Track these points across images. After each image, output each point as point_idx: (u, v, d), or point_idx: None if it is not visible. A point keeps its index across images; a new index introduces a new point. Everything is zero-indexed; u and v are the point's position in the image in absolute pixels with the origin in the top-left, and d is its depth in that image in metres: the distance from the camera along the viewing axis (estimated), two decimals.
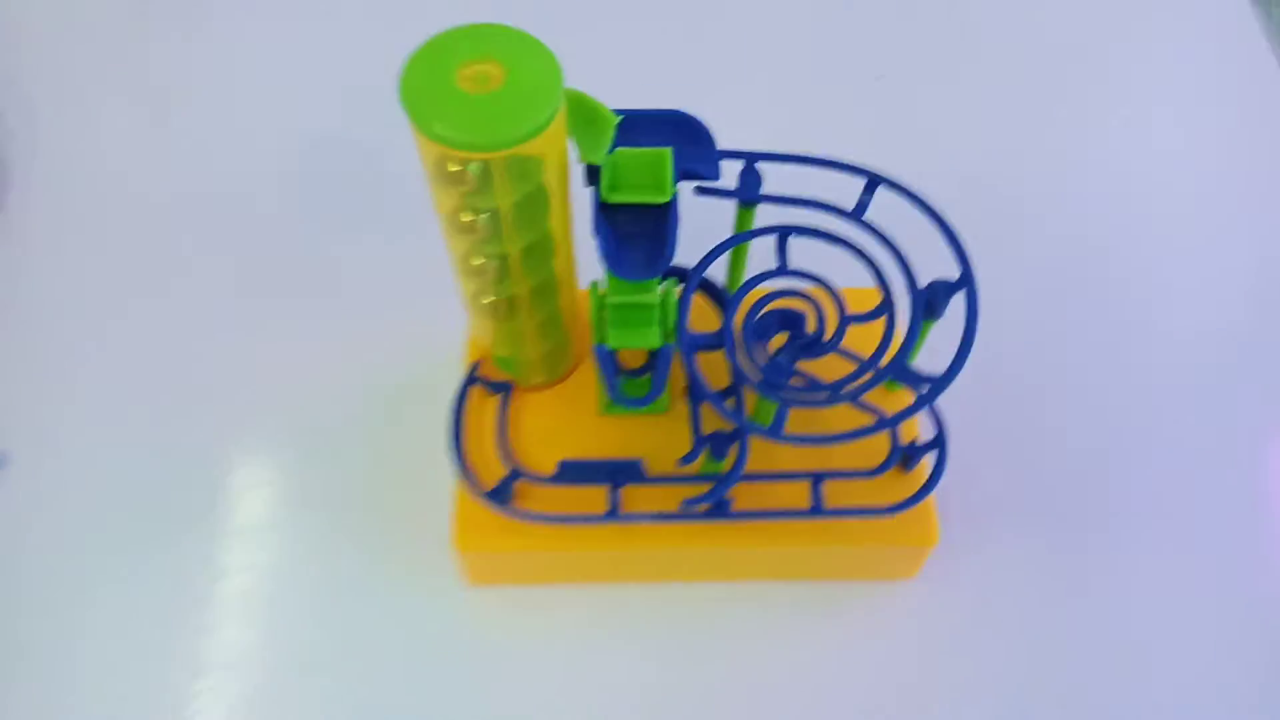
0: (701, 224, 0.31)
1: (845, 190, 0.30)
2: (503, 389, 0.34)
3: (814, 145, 0.30)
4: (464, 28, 0.24)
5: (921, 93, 0.47)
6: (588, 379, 0.34)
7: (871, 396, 0.33)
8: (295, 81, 0.48)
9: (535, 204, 0.27)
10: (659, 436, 0.33)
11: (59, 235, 0.43)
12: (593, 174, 0.27)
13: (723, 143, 0.28)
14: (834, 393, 0.28)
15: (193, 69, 0.48)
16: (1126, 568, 0.35)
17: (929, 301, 0.28)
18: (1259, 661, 0.33)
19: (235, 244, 0.43)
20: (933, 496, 0.32)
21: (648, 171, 0.26)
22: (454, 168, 0.25)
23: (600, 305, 0.27)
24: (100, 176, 0.45)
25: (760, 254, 0.31)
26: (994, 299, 0.38)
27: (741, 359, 0.28)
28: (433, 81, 0.24)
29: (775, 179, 0.30)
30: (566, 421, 0.34)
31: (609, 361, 0.27)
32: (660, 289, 0.28)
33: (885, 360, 0.28)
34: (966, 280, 0.27)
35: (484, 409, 0.34)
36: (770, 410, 0.29)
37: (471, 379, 0.34)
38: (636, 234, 0.27)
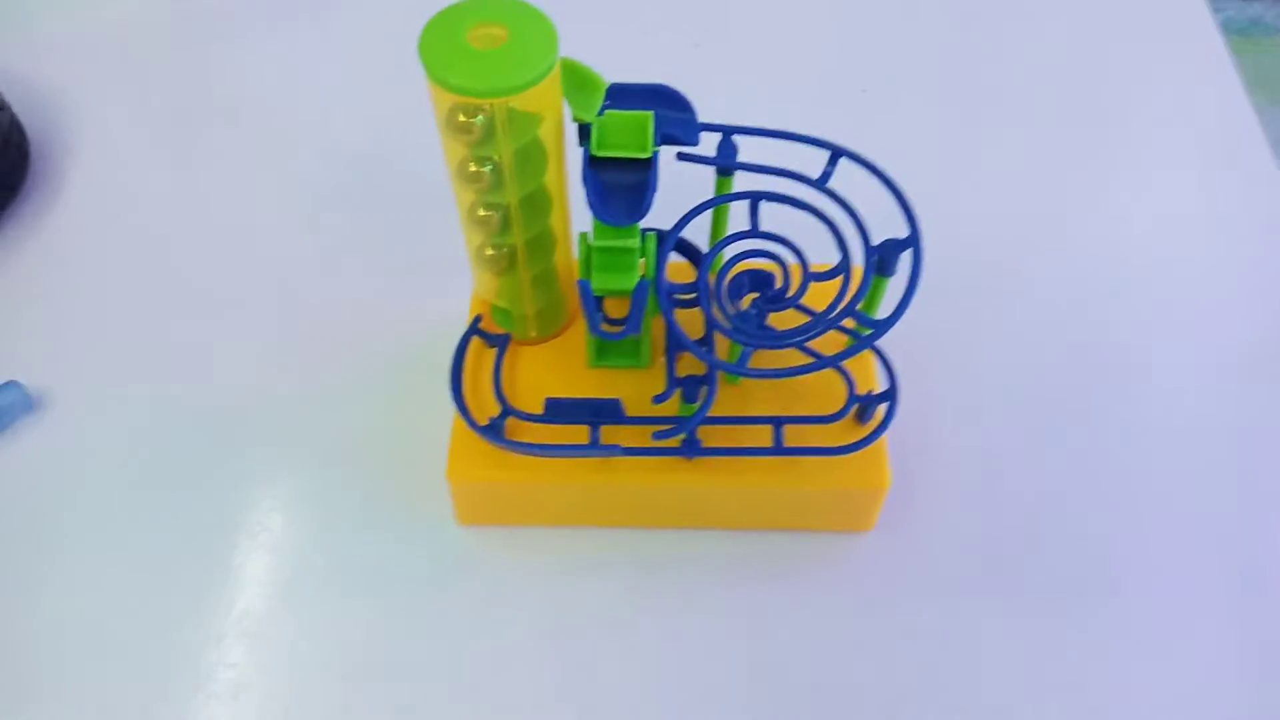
0: (685, 190, 0.35)
1: (813, 164, 0.33)
2: (500, 341, 0.37)
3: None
4: None
5: (902, 111, 0.51)
6: (578, 336, 0.38)
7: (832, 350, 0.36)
8: (316, 99, 0.52)
9: (533, 157, 0.30)
10: (640, 387, 0.36)
11: (86, 231, 0.47)
12: (584, 132, 0.30)
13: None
14: (792, 336, 0.31)
15: (217, 87, 0.53)
16: (1083, 559, 0.37)
17: (881, 258, 0.31)
18: (1221, 636, 0.36)
19: (267, 235, 0.46)
20: (885, 446, 0.35)
21: (632, 131, 0.30)
22: (463, 118, 0.29)
23: (587, 250, 0.31)
24: (124, 183, 0.49)
25: (738, 218, 0.34)
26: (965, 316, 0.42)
27: (714, 308, 0.32)
28: (446, 40, 0.28)
29: (752, 152, 0.34)
30: (557, 372, 0.37)
31: (591, 295, 0.30)
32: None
33: (839, 310, 0.31)
34: (913, 239, 0.31)
35: (482, 360, 0.37)
36: (738, 357, 0.33)
37: (473, 330, 0.37)
38: (620, 185, 0.30)
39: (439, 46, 0.27)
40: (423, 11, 0.28)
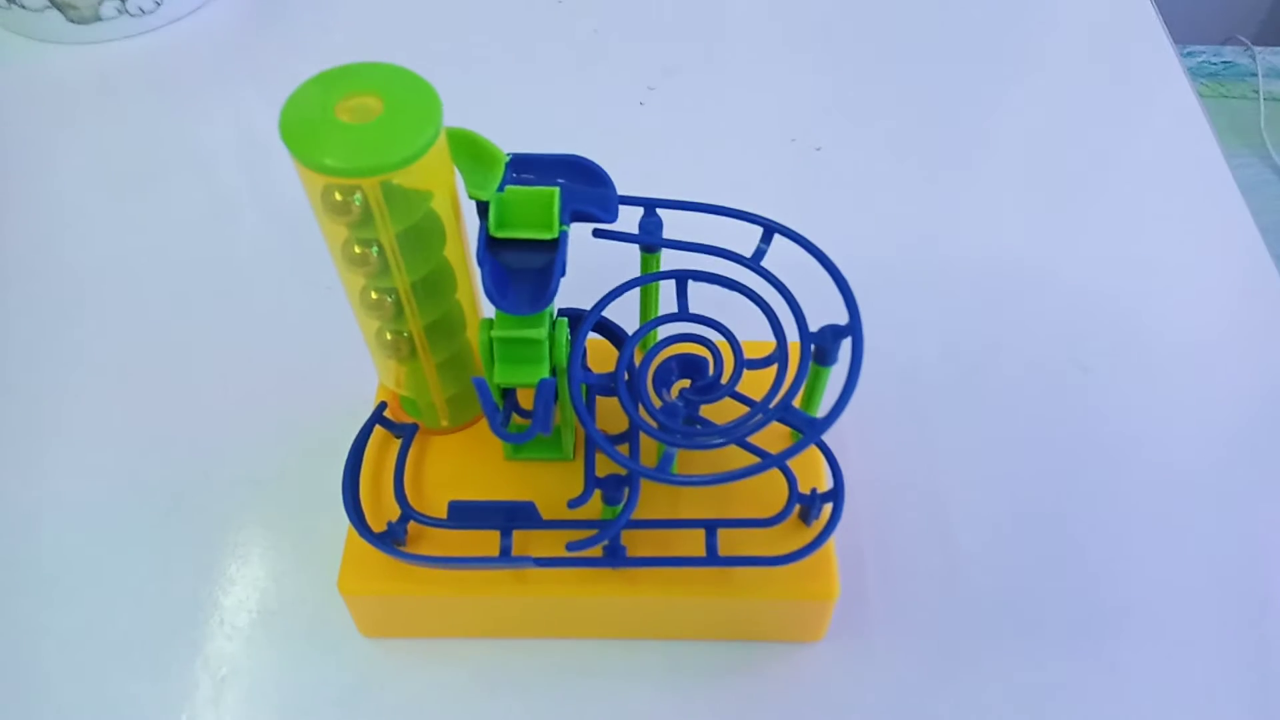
0: (613, 267, 0.31)
1: (747, 240, 0.30)
2: (406, 432, 0.34)
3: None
4: (347, 65, 0.25)
5: (858, 168, 0.48)
6: None
7: (772, 446, 0.32)
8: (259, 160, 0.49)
9: (428, 234, 0.27)
10: (564, 482, 0.32)
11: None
12: (483, 209, 0.27)
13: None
14: (722, 434, 0.27)
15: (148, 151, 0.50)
16: (1061, 665, 0.33)
17: (819, 347, 0.28)
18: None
19: (179, 308, 0.43)
20: (833, 551, 0.31)
21: (536, 208, 0.27)
22: (340, 197, 0.25)
23: (489, 340, 0.27)
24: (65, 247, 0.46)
25: (670, 298, 0.31)
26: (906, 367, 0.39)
27: (636, 404, 0.28)
28: (312, 115, 0.24)
29: (683, 227, 0.30)
30: (470, 466, 0.33)
31: (487, 394, 0.27)
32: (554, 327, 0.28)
33: (774, 403, 0.27)
34: (854, 327, 0.27)
35: (388, 452, 0.34)
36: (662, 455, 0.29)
37: (375, 419, 0.33)
38: (522, 270, 0.27)
39: (304, 122, 0.24)
40: None
